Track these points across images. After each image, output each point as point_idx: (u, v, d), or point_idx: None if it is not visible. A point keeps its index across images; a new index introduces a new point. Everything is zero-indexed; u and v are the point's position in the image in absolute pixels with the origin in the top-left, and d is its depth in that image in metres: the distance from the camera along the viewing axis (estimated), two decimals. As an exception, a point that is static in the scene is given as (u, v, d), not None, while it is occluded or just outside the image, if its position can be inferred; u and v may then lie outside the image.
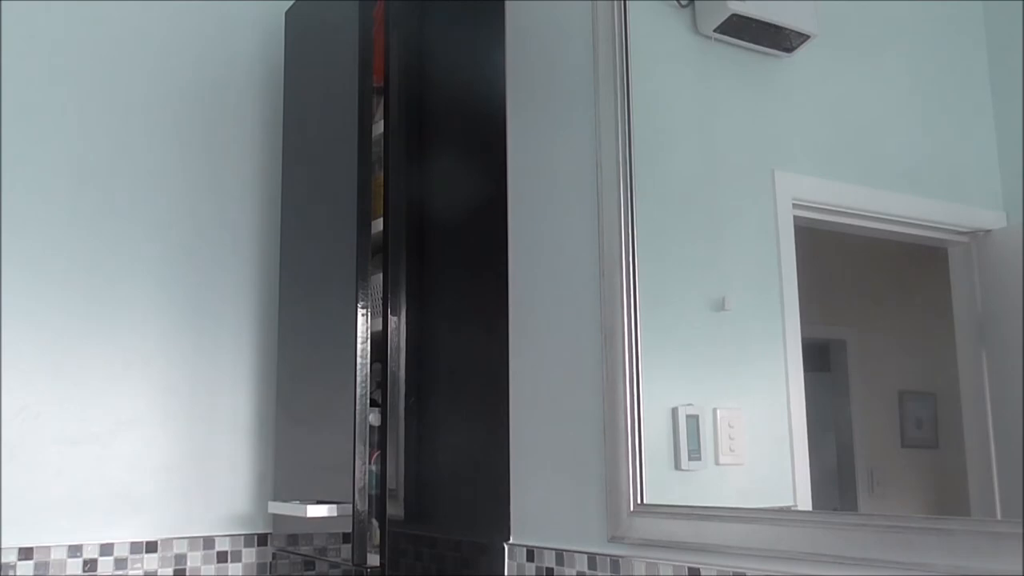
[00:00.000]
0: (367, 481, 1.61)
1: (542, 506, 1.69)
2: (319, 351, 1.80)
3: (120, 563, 1.85)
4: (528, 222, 1.81)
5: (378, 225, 1.72)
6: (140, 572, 1.86)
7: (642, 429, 1.47)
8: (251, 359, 2.06)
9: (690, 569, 1.34)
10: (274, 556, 1.93)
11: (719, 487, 1.40)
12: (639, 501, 1.46)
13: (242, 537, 1.98)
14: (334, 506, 1.63)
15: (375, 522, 1.64)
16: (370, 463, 1.62)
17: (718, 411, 1.40)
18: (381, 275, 1.70)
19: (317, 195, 1.87)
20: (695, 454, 1.42)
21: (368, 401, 1.63)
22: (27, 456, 1.79)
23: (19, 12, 1.90)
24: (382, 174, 1.72)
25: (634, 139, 1.55)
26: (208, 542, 1.95)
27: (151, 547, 1.88)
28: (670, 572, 1.38)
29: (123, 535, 1.86)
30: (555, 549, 1.62)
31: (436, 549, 1.74)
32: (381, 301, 1.69)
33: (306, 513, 1.65)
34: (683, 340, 1.47)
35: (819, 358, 1.28)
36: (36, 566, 1.76)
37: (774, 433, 1.32)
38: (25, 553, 1.76)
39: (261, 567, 1.99)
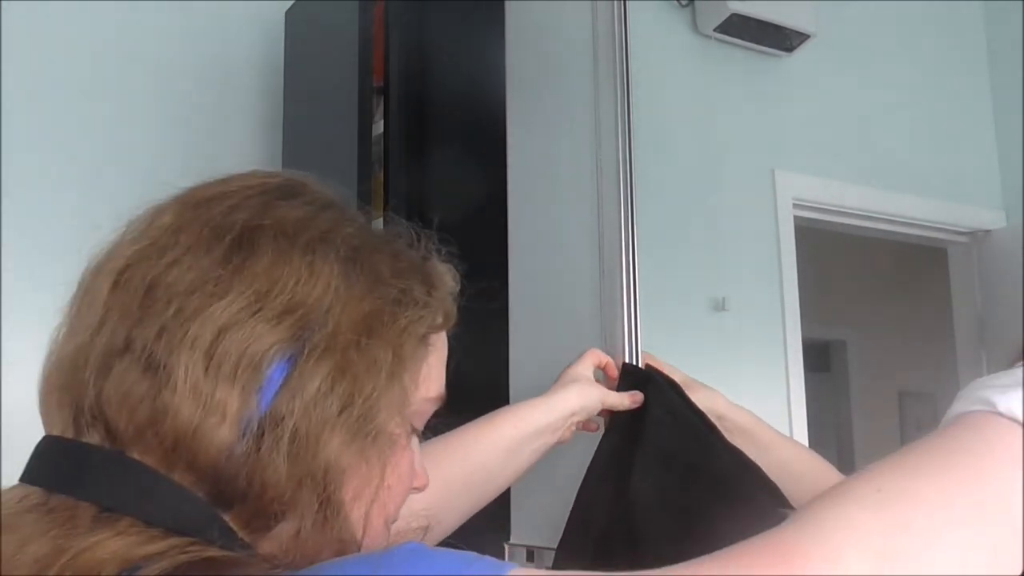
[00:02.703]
0: (367, 481, 1.60)
1: (542, 506, 1.69)
2: (319, 351, 1.79)
3: (120, 563, 1.84)
4: (528, 222, 1.81)
5: (378, 224, 1.71)
6: (140, 572, 1.86)
7: (642, 429, 1.47)
8: (251, 359, 2.06)
9: (690, 569, 1.34)
10: (274, 556, 1.93)
11: (719, 487, 1.39)
12: (639, 501, 1.45)
13: (242, 537, 1.98)
14: (334, 506, 1.63)
15: (375, 522, 1.64)
16: (370, 463, 1.62)
17: (718, 411, 1.39)
18: (381, 274, 1.70)
19: (317, 195, 1.86)
20: (695, 454, 1.41)
21: (368, 401, 1.63)
22: (27, 456, 1.79)
23: (19, 12, 1.90)
24: (382, 173, 1.72)
25: (634, 139, 1.55)
26: (208, 542, 1.94)
27: (151, 547, 1.88)
28: (670, 572, 1.37)
29: (123, 535, 1.86)
30: (555, 549, 1.62)
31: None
32: (381, 301, 1.69)
33: (306, 513, 1.64)
34: (683, 340, 1.47)
35: (819, 358, 1.28)
36: (36, 566, 1.76)
37: (774, 433, 1.31)
38: (25, 553, 1.75)
39: (261, 567, 1.98)
